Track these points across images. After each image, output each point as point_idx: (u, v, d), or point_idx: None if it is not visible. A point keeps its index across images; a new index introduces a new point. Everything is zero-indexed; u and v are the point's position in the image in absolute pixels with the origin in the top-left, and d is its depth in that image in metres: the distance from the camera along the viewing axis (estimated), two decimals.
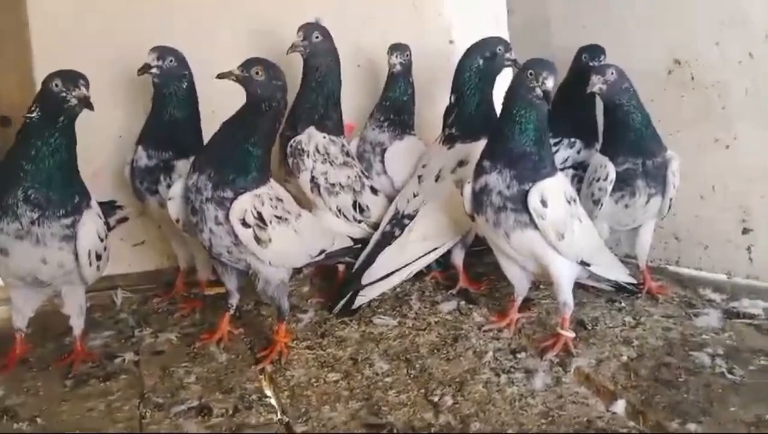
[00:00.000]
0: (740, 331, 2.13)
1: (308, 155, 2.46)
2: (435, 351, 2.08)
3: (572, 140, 2.64)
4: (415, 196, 2.52)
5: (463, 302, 2.42)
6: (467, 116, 2.48)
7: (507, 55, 2.46)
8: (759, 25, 2.30)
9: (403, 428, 1.67)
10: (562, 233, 2.01)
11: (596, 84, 2.28)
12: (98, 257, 1.97)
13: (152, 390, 1.90)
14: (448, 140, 2.51)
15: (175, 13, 2.73)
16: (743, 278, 2.54)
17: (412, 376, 1.94)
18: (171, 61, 2.35)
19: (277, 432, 1.69)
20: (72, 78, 1.82)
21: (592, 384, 1.87)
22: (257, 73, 1.95)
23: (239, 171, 1.94)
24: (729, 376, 1.84)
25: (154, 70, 2.35)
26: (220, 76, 1.98)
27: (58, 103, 1.82)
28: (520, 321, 2.24)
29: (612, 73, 2.27)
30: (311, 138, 2.47)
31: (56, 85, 1.82)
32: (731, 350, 2.00)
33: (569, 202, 2.06)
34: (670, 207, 2.40)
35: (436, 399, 1.80)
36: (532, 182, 1.98)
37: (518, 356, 2.03)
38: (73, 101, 1.81)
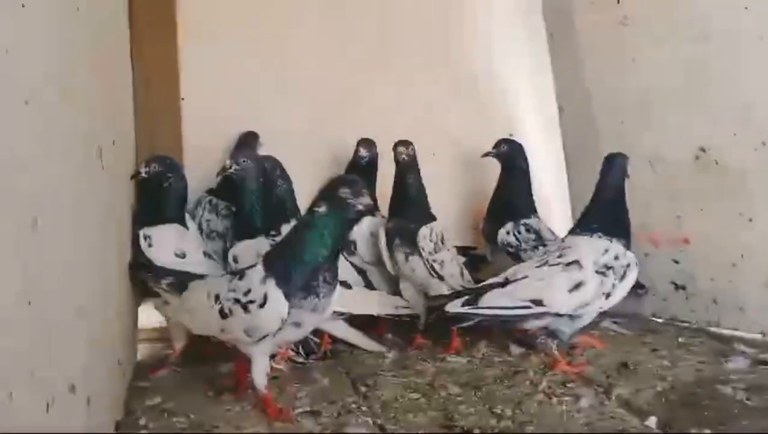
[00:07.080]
0: (766, 373, 2.46)
1: None
2: (498, 380, 2.52)
3: None
4: None
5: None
6: None
7: None
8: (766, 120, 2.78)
9: (470, 428, 2.11)
10: None
11: None
12: None
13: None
14: None
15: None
16: None
17: (478, 397, 2.38)
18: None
19: (373, 432, 2.16)
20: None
21: (630, 406, 2.25)
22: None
23: None
24: (746, 402, 2.19)
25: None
26: None
27: None
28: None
29: None
30: None
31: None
32: (753, 385, 2.32)
33: None
34: None
35: (498, 411, 2.23)
36: None
37: (568, 385, 2.44)
38: None
